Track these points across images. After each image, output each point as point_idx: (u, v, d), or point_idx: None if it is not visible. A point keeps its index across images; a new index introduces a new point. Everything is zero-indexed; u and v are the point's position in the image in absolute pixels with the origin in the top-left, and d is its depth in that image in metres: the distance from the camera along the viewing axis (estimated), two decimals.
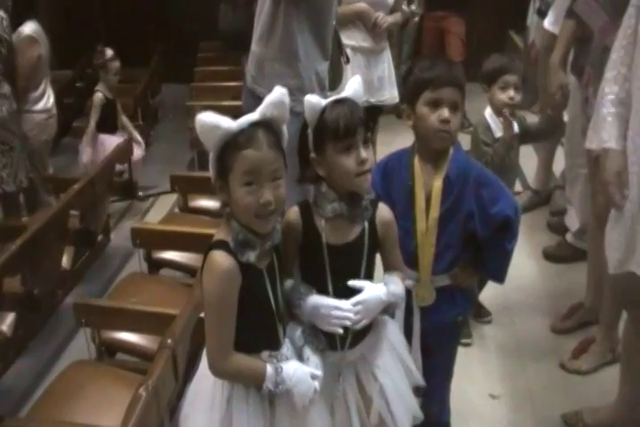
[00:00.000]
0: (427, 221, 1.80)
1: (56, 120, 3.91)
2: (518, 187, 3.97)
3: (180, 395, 1.72)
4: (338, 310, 1.55)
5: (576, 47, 2.97)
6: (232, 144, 1.42)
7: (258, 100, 2.49)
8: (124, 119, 4.41)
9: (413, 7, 4.06)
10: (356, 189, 1.58)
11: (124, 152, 3.79)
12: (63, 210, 3.00)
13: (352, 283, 1.59)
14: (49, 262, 2.93)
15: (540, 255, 3.46)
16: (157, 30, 6.58)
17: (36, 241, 2.68)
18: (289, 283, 1.62)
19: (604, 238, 2.09)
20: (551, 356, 2.74)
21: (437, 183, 1.79)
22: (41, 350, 2.87)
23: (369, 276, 1.65)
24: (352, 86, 1.60)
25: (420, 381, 1.81)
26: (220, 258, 1.45)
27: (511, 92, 2.62)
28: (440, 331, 1.89)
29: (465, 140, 2.36)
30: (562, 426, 2.40)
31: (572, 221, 3.39)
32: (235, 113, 1.48)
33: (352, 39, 3.54)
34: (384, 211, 1.65)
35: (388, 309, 1.65)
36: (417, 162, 1.81)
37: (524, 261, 3.35)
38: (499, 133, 2.61)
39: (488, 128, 2.64)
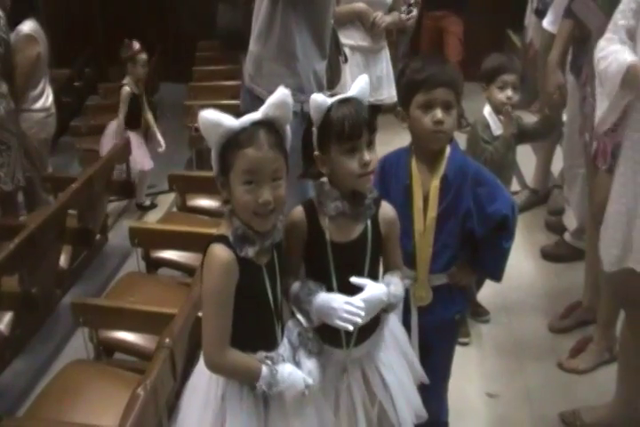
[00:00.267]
0: (424, 221, 1.80)
1: (55, 119, 3.91)
2: (515, 186, 3.99)
3: (178, 394, 1.72)
4: (350, 305, 1.55)
5: (574, 47, 2.98)
6: (233, 142, 1.43)
7: (256, 99, 2.52)
8: (149, 116, 4.38)
9: (414, 12, 4.05)
10: (358, 189, 1.59)
11: (122, 152, 3.78)
12: (61, 209, 3.00)
13: (354, 280, 1.60)
14: (47, 262, 2.93)
15: (538, 255, 3.46)
16: (156, 30, 6.58)
17: (34, 240, 2.68)
18: (297, 282, 1.63)
19: None
20: (549, 355, 2.74)
21: (435, 183, 1.79)
22: (39, 349, 2.87)
23: (373, 274, 1.66)
24: (358, 85, 1.60)
25: (424, 377, 1.82)
26: (219, 251, 1.47)
27: (509, 92, 2.63)
28: (438, 329, 1.90)
29: (462, 140, 2.37)
30: (559, 425, 2.40)
31: (570, 220, 3.40)
32: (233, 112, 1.48)
33: (351, 38, 3.54)
34: (387, 209, 1.66)
35: (386, 309, 1.66)
36: (414, 162, 1.82)
37: (522, 261, 3.35)
38: (498, 132, 2.62)
39: (487, 126, 2.65)
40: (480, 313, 2.98)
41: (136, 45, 4.24)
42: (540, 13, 3.66)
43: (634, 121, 1.94)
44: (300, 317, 1.68)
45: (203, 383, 1.58)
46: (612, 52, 1.92)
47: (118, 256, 3.57)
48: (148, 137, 4.34)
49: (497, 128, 2.63)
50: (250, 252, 1.47)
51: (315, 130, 1.59)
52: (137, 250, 2.97)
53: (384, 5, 3.60)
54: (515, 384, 2.62)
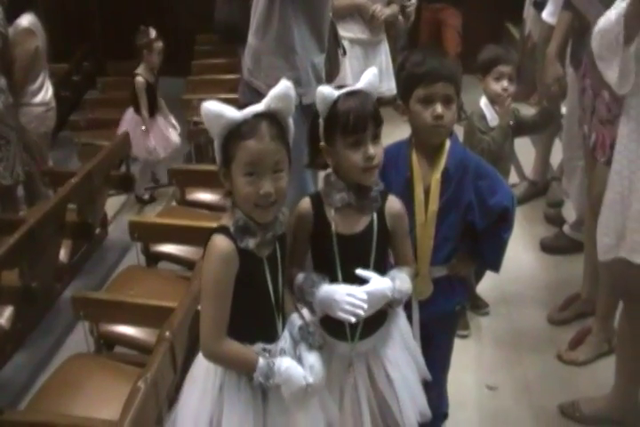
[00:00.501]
0: (425, 214, 1.80)
1: (55, 113, 3.91)
2: (514, 179, 3.99)
3: (178, 387, 1.73)
4: (352, 297, 1.55)
5: (574, 39, 2.97)
6: (235, 134, 1.44)
7: (255, 93, 2.52)
8: (162, 102, 4.37)
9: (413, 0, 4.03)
10: (363, 182, 1.59)
11: (123, 145, 3.78)
12: (61, 203, 3.00)
13: (359, 271, 1.60)
14: (47, 256, 2.93)
15: (537, 247, 3.47)
16: (154, 23, 6.54)
17: (34, 235, 2.68)
18: (301, 274, 1.64)
19: None
20: (548, 347, 2.75)
21: (436, 176, 1.79)
22: (39, 343, 2.88)
23: (379, 268, 1.65)
24: (366, 78, 1.60)
25: (427, 374, 1.81)
26: (219, 241, 1.48)
27: (505, 83, 2.63)
28: (438, 321, 1.90)
29: (460, 131, 2.37)
30: (559, 416, 2.41)
31: (570, 212, 3.40)
32: (233, 105, 1.49)
33: (350, 31, 3.53)
34: (394, 202, 1.66)
35: (391, 304, 1.64)
36: (414, 155, 1.82)
37: (522, 253, 3.36)
38: (494, 123, 2.63)
39: (483, 117, 2.66)
40: (479, 306, 2.99)
41: (152, 32, 4.21)
42: (539, 5, 3.65)
43: (630, 109, 1.94)
44: (302, 309, 1.69)
45: (201, 373, 1.59)
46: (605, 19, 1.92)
47: (118, 250, 3.57)
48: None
49: (493, 119, 2.64)
50: (250, 243, 1.48)
51: (321, 121, 1.60)
52: (137, 244, 2.98)
53: None
54: (514, 376, 2.63)
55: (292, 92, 1.47)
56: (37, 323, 2.94)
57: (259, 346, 1.54)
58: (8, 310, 2.72)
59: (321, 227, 1.63)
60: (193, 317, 2.02)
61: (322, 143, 1.61)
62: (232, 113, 1.43)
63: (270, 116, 1.46)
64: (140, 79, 4.12)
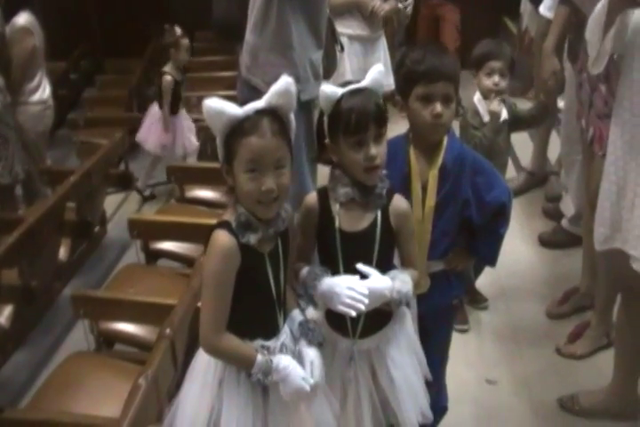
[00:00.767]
0: (423, 210, 1.80)
1: (53, 111, 3.91)
2: (511, 173, 3.99)
3: (179, 384, 1.73)
4: (352, 291, 1.56)
5: (571, 33, 2.97)
6: (237, 130, 1.44)
7: (253, 89, 2.52)
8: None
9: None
10: (365, 181, 1.60)
11: (120, 144, 3.78)
12: (60, 202, 3.00)
13: (360, 266, 1.59)
14: (46, 254, 2.94)
15: (535, 241, 3.47)
16: (152, 21, 6.55)
17: (33, 233, 2.69)
18: (306, 267, 1.64)
19: None
20: (547, 341, 2.76)
21: (433, 172, 1.79)
22: (39, 341, 2.89)
23: (383, 267, 1.64)
24: (371, 75, 1.60)
25: (428, 374, 1.81)
26: (221, 236, 1.48)
27: (496, 78, 2.64)
28: (436, 315, 1.90)
29: (457, 126, 2.37)
30: (558, 410, 2.42)
31: (568, 207, 3.40)
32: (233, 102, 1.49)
33: (349, 28, 3.54)
34: (400, 202, 1.65)
35: (389, 304, 1.63)
36: (412, 151, 1.82)
37: (520, 248, 3.37)
38: (487, 118, 2.64)
39: (476, 113, 2.67)
40: (478, 300, 2.99)
41: (178, 30, 4.19)
42: (536, 0, 3.65)
43: (623, 99, 1.94)
44: (303, 304, 1.70)
45: (201, 367, 1.59)
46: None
47: (117, 248, 3.58)
48: None
49: (486, 114, 2.65)
50: (252, 239, 1.48)
51: (325, 119, 1.61)
52: (136, 242, 2.98)
53: None
54: (513, 370, 2.64)
55: (293, 88, 1.47)
56: (37, 321, 2.95)
57: (258, 343, 1.55)
58: (8, 309, 2.72)
59: (325, 222, 1.64)
60: (193, 314, 2.02)
61: (326, 140, 1.62)
62: (234, 109, 1.44)
63: (272, 113, 1.46)
64: (168, 78, 4.10)
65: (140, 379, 1.73)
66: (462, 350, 2.57)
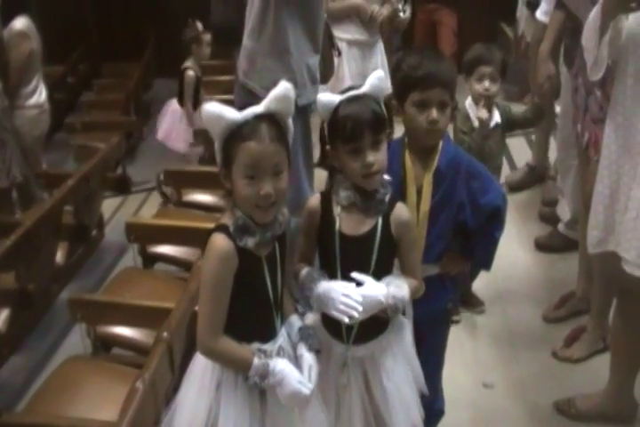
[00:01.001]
0: (417, 215, 1.81)
1: (49, 115, 3.91)
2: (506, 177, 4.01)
3: (176, 388, 1.73)
4: (347, 297, 1.56)
5: (567, 38, 2.99)
6: (236, 135, 1.45)
7: (250, 94, 2.53)
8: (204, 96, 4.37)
9: (407, 14, 4.03)
10: (364, 187, 1.61)
11: (117, 148, 3.78)
12: (57, 205, 3.00)
13: (355, 275, 1.60)
14: (43, 258, 2.94)
15: (532, 245, 3.48)
16: (149, 25, 6.56)
17: (30, 237, 2.69)
18: (306, 268, 1.65)
19: None
20: (543, 345, 2.77)
21: (428, 176, 1.80)
22: (36, 345, 2.88)
23: (381, 275, 1.64)
24: (370, 81, 1.60)
25: (424, 388, 1.80)
26: (219, 240, 1.49)
27: (486, 83, 2.66)
28: (431, 318, 1.91)
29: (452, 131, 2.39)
30: (554, 413, 2.42)
31: (564, 211, 3.41)
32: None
33: (347, 33, 3.55)
34: (402, 211, 1.65)
35: (386, 310, 1.62)
36: (407, 155, 1.83)
37: (516, 252, 3.37)
38: (477, 123, 2.65)
39: (467, 118, 2.68)
40: (474, 304, 3.00)
41: (199, 25, 4.18)
42: (532, 6, 3.67)
43: (617, 104, 1.96)
44: (300, 309, 1.70)
45: (199, 370, 1.60)
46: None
47: (115, 252, 3.58)
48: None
49: (476, 119, 2.66)
50: (249, 242, 1.49)
51: (325, 126, 1.62)
52: (133, 245, 2.98)
53: None
54: (509, 374, 2.64)
55: (292, 94, 1.48)
56: (34, 325, 2.95)
57: (255, 346, 1.55)
58: (4, 313, 2.72)
59: (326, 224, 1.65)
60: (190, 317, 2.03)
61: (327, 147, 1.63)
62: (232, 114, 1.44)
63: (270, 118, 1.47)
64: (190, 73, 4.09)
65: (138, 383, 1.73)
66: (459, 353, 2.57)
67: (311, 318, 1.74)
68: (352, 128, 1.55)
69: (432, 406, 1.95)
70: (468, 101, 2.71)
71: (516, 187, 3.96)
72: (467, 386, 2.55)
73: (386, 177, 1.66)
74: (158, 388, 1.81)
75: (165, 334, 1.90)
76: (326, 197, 1.67)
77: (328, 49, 2.93)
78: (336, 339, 1.71)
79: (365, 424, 1.73)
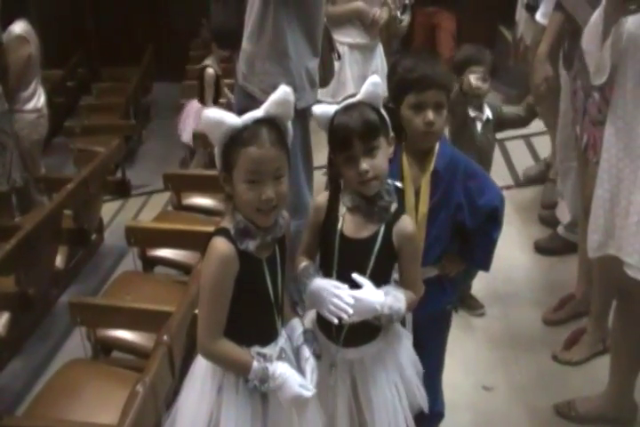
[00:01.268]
0: (416, 217, 1.81)
1: (47, 120, 3.91)
2: (506, 181, 4.01)
3: (176, 391, 1.73)
4: (338, 298, 1.56)
5: (566, 41, 2.99)
6: (236, 140, 1.45)
7: (249, 97, 2.54)
8: (227, 91, 4.36)
9: (405, 22, 4.04)
10: (363, 193, 1.61)
11: (117, 152, 3.79)
12: (56, 209, 3.01)
13: (355, 276, 1.60)
14: (43, 262, 2.94)
15: (531, 248, 3.48)
16: (148, 29, 6.58)
17: (30, 241, 2.69)
18: (305, 262, 1.67)
19: None
20: (543, 347, 2.76)
21: (426, 178, 1.81)
22: (36, 349, 2.88)
23: (376, 282, 1.62)
24: (365, 88, 1.59)
25: (425, 407, 1.79)
26: (220, 244, 1.49)
27: (478, 83, 2.66)
28: (430, 321, 1.91)
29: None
30: (554, 416, 2.42)
31: (564, 213, 3.41)
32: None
33: (349, 37, 3.56)
34: (406, 223, 1.64)
35: (379, 318, 1.61)
36: (405, 157, 1.83)
37: (516, 254, 3.37)
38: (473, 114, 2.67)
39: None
40: (474, 306, 2.99)
41: None
42: (531, 8, 3.67)
43: (617, 107, 1.96)
44: (300, 311, 1.71)
45: (200, 374, 1.60)
46: None
47: (114, 255, 3.58)
48: None
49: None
50: (250, 245, 1.49)
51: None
52: (133, 249, 2.98)
53: (380, 2, 3.63)
54: (509, 376, 2.64)
55: (292, 98, 1.49)
56: (34, 329, 2.95)
57: (254, 350, 1.55)
58: (4, 317, 2.72)
59: (329, 222, 1.66)
60: (190, 321, 2.03)
61: (330, 154, 1.64)
62: (232, 119, 1.45)
63: (270, 122, 1.48)
64: (210, 71, 4.11)
65: (138, 386, 1.73)
66: (458, 356, 2.57)
67: (310, 318, 1.74)
68: (342, 138, 1.56)
69: (432, 408, 1.95)
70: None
71: (530, 181, 4.00)
72: (466, 389, 2.55)
73: (398, 184, 1.68)
74: (159, 391, 1.82)
75: (166, 337, 1.90)
76: (334, 196, 1.68)
77: (328, 52, 2.94)
78: (327, 338, 1.71)
79: (349, 423, 1.72)
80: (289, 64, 2.49)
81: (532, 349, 2.78)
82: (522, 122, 2.90)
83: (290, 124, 1.53)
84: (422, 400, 1.79)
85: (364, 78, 1.81)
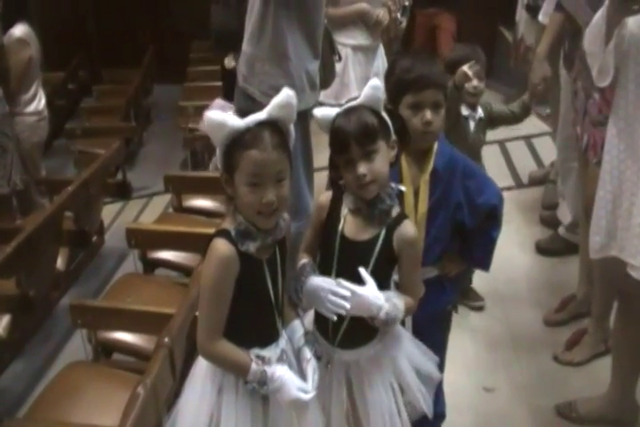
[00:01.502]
0: (415, 217, 1.82)
1: (47, 122, 3.92)
2: (507, 182, 4.01)
3: (177, 393, 1.73)
4: (335, 296, 1.56)
5: (567, 41, 2.99)
6: (238, 142, 1.45)
7: (249, 99, 2.54)
8: None
9: (403, 24, 4.05)
10: (362, 196, 1.61)
11: (117, 154, 3.79)
12: (57, 211, 3.01)
13: (362, 271, 1.58)
14: (44, 264, 2.94)
15: (532, 249, 3.47)
16: (149, 31, 6.59)
17: (31, 243, 2.69)
18: (304, 259, 1.67)
19: None
20: (544, 348, 2.76)
21: (425, 178, 1.81)
22: (37, 351, 2.88)
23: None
24: (365, 91, 1.58)
25: (429, 413, 1.78)
26: (220, 245, 1.49)
27: (475, 82, 2.66)
28: (431, 321, 1.91)
29: None
30: (555, 417, 2.42)
31: (565, 214, 3.41)
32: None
33: (352, 38, 3.57)
34: (407, 228, 1.64)
35: (372, 320, 1.60)
36: (403, 157, 1.83)
37: (517, 255, 3.37)
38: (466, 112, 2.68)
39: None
40: (474, 298, 2.98)
41: None
42: (531, 9, 3.67)
43: (618, 109, 1.96)
44: (301, 312, 1.71)
45: (201, 375, 1.60)
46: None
47: (115, 257, 3.58)
48: None
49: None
50: (251, 247, 1.49)
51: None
52: (134, 251, 2.99)
53: (382, 3, 3.63)
54: (510, 377, 2.64)
55: (294, 101, 1.48)
56: (35, 331, 2.95)
57: (254, 352, 1.55)
58: (5, 319, 2.72)
59: (331, 222, 1.66)
60: (191, 323, 2.03)
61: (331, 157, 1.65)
62: (235, 122, 1.45)
63: (272, 125, 1.48)
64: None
65: (139, 388, 1.73)
66: (459, 357, 2.57)
67: (309, 318, 1.74)
68: (339, 141, 1.57)
69: (433, 409, 1.95)
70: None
71: (538, 181, 4.00)
72: (468, 390, 2.55)
73: (401, 187, 1.68)
74: (159, 393, 1.82)
75: (166, 339, 1.91)
76: (337, 196, 1.68)
77: (329, 54, 2.94)
78: (323, 337, 1.71)
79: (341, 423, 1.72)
80: (289, 66, 2.49)
81: (533, 350, 2.78)
82: (515, 119, 2.90)
83: (292, 128, 1.53)
84: (427, 405, 1.76)
85: (366, 80, 1.81)
